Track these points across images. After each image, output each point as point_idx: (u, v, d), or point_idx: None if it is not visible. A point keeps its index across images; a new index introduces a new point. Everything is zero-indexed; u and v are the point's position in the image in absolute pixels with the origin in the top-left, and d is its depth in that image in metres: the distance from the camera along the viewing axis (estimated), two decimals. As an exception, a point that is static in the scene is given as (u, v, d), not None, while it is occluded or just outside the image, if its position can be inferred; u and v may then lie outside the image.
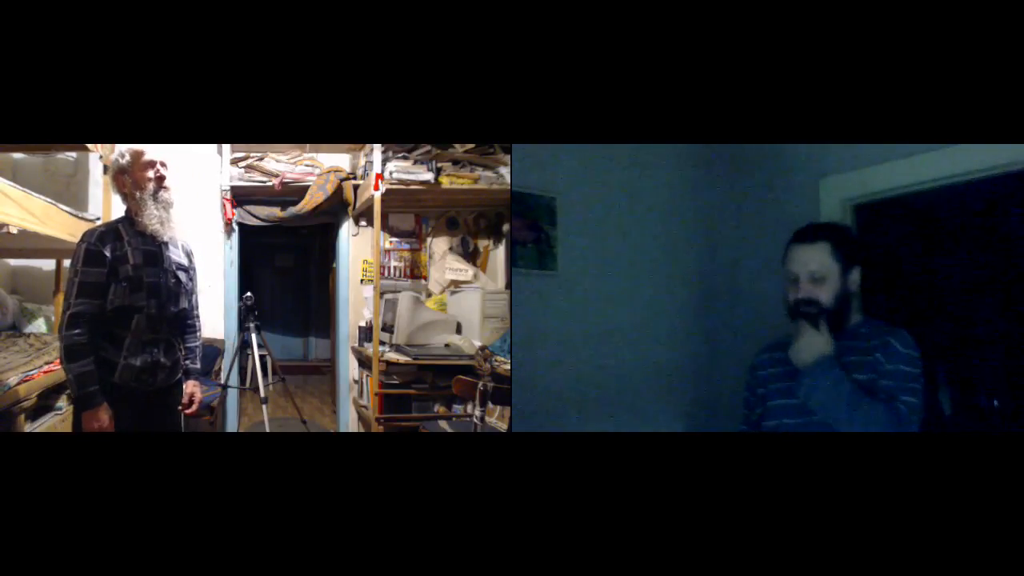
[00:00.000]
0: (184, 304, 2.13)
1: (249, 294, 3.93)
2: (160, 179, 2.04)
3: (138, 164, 2.04)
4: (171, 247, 2.09)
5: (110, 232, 2.00)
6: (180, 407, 2.15)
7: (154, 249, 2.03)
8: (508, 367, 2.48)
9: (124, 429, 1.98)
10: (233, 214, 4.29)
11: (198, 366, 2.24)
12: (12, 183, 2.31)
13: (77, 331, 1.89)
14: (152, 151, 2.06)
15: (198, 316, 2.25)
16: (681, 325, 2.42)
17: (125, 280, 1.96)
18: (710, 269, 2.49)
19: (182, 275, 2.12)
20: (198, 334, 2.24)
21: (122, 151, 2.06)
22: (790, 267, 1.58)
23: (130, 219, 2.04)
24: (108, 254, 1.94)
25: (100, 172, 3.85)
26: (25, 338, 3.10)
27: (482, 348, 3.36)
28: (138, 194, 2.03)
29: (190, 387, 2.18)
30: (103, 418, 1.89)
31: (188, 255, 2.18)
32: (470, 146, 3.79)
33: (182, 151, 4.03)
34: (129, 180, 2.05)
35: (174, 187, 2.10)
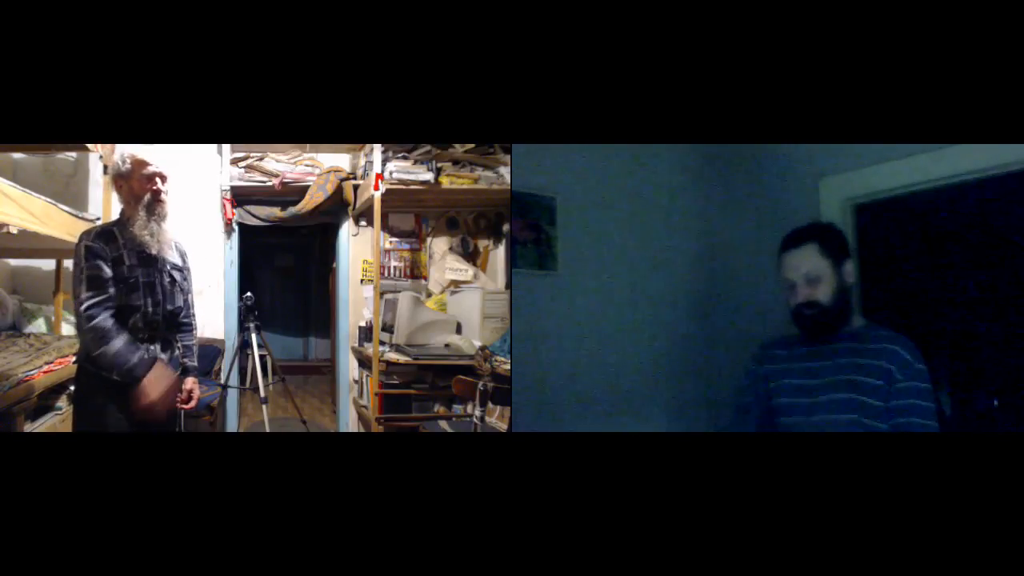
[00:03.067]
0: (179, 303, 2.15)
1: (249, 294, 3.93)
2: (156, 192, 2.04)
3: (137, 174, 2.04)
4: (165, 248, 2.10)
5: (105, 233, 2.03)
6: (178, 403, 2.16)
7: (148, 250, 2.05)
8: (508, 367, 2.48)
9: (123, 425, 1.99)
10: (233, 214, 4.29)
11: (195, 363, 2.26)
12: (12, 183, 2.31)
13: (100, 316, 1.91)
14: (154, 163, 2.05)
15: (194, 315, 2.27)
16: (681, 325, 2.42)
17: (121, 281, 1.98)
18: (710, 269, 2.49)
19: (176, 275, 2.14)
20: (194, 332, 2.26)
21: (124, 157, 2.06)
22: (785, 275, 1.60)
23: (124, 222, 2.06)
24: (109, 254, 1.97)
25: (100, 172, 3.85)
26: (25, 338, 3.10)
27: (482, 348, 3.36)
28: (133, 203, 2.05)
29: (188, 383, 2.19)
30: (164, 376, 1.96)
31: (182, 255, 2.20)
32: (470, 146, 3.79)
33: (182, 151, 4.06)
34: (126, 187, 2.06)
35: (173, 194, 2.11)
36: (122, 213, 2.09)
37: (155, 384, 1.93)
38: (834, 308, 1.55)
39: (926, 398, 1.46)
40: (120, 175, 2.06)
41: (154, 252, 2.05)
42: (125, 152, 2.06)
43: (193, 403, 2.20)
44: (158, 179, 2.05)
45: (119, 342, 1.91)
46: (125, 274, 1.99)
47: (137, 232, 2.02)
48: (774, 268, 1.66)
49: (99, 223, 2.13)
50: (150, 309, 2.03)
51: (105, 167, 3.76)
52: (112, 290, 1.96)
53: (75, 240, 2.68)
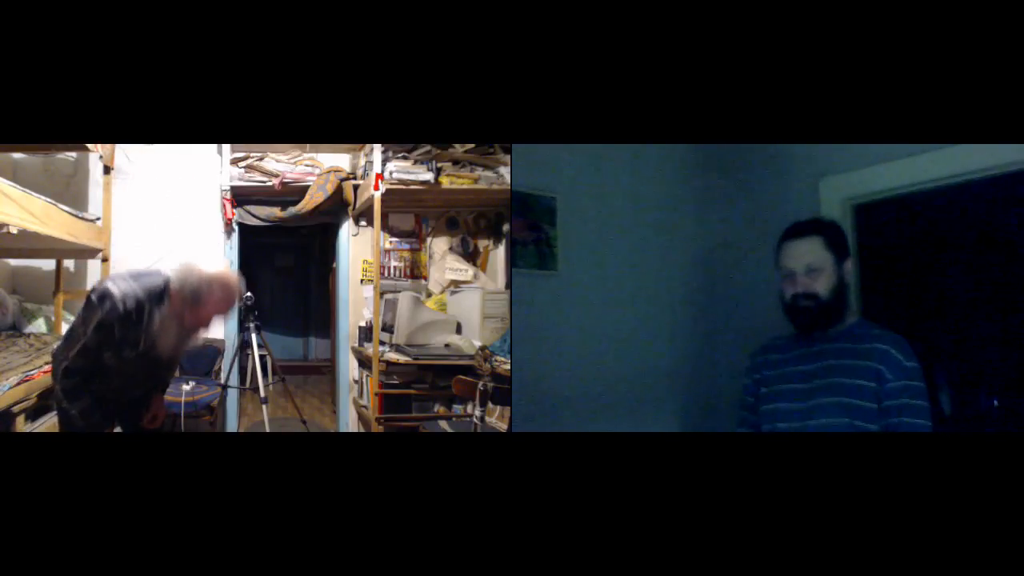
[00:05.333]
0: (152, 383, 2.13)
1: (249, 294, 3.92)
2: (203, 325, 1.93)
3: (204, 306, 1.83)
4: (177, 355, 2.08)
5: (136, 310, 1.82)
6: (144, 423, 2.12)
7: (159, 355, 1.95)
8: (508, 367, 2.48)
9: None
10: (233, 214, 4.29)
11: (169, 380, 2.24)
12: (12, 183, 2.31)
13: (75, 379, 1.87)
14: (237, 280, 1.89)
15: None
16: (681, 325, 2.42)
17: (127, 355, 1.87)
18: (709, 269, 2.49)
19: (183, 350, 2.09)
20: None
21: (207, 284, 1.80)
22: (785, 264, 1.59)
23: (164, 294, 1.87)
24: (119, 334, 1.82)
25: (100, 172, 3.85)
26: (25, 338, 3.11)
27: (482, 348, 3.36)
28: (178, 320, 1.88)
29: (156, 403, 2.15)
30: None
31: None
32: (470, 146, 3.80)
33: (182, 151, 4.06)
34: (182, 302, 1.83)
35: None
36: (166, 286, 1.88)
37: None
38: (831, 303, 1.55)
39: (919, 396, 1.45)
40: (186, 293, 1.82)
41: (164, 360, 2.00)
42: (206, 280, 1.81)
43: (158, 423, 2.16)
44: (214, 316, 1.88)
45: (83, 404, 1.88)
46: (131, 356, 1.87)
47: (161, 343, 1.89)
48: (774, 267, 1.66)
49: (137, 279, 1.87)
50: (122, 393, 2.00)
51: (106, 167, 3.77)
52: (100, 357, 1.86)
53: (75, 240, 2.66)
